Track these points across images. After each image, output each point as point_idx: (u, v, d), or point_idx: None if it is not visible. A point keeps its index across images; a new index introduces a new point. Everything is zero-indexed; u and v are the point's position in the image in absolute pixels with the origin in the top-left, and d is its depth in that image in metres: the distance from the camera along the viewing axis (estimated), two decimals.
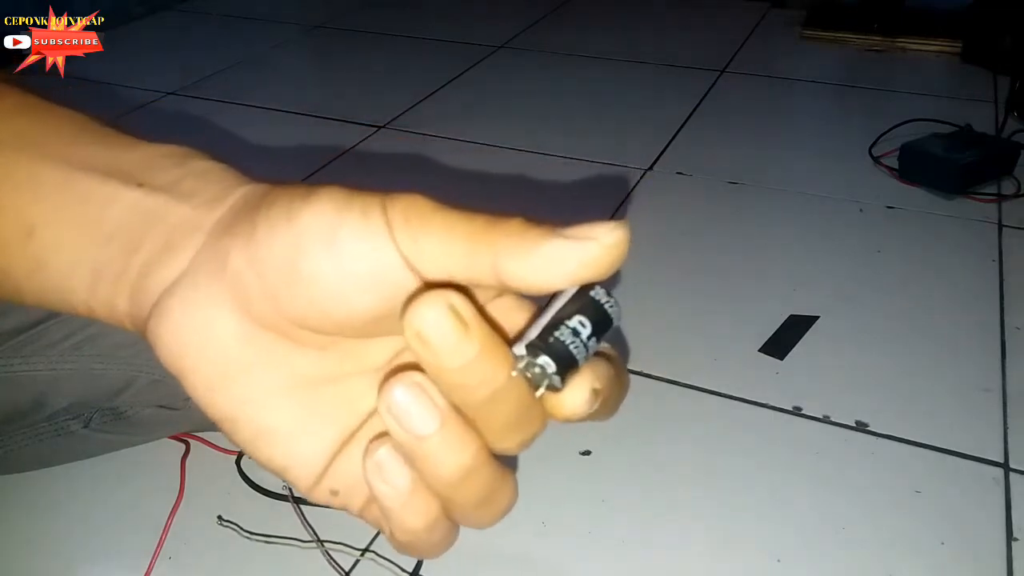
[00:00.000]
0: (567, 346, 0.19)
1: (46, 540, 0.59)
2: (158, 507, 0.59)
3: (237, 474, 0.62)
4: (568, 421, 0.21)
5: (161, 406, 0.59)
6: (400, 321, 0.19)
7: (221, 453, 0.64)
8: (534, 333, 0.20)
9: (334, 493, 0.23)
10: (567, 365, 0.19)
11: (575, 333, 0.19)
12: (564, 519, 0.59)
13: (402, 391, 0.19)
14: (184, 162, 0.23)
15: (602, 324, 0.20)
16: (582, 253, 0.19)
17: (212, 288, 0.21)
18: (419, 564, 0.55)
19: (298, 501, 0.59)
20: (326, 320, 0.21)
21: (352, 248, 0.19)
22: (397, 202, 0.20)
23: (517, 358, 0.19)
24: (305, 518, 0.58)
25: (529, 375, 0.20)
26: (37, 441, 0.57)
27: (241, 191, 0.22)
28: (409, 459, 0.20)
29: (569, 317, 0.19)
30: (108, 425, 0.59)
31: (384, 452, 0.20)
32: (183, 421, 0.61)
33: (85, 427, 0.58)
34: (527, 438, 0.21)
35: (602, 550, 0.57)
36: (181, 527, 0.58)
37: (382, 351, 0.23)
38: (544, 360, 0.19)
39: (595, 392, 0.20)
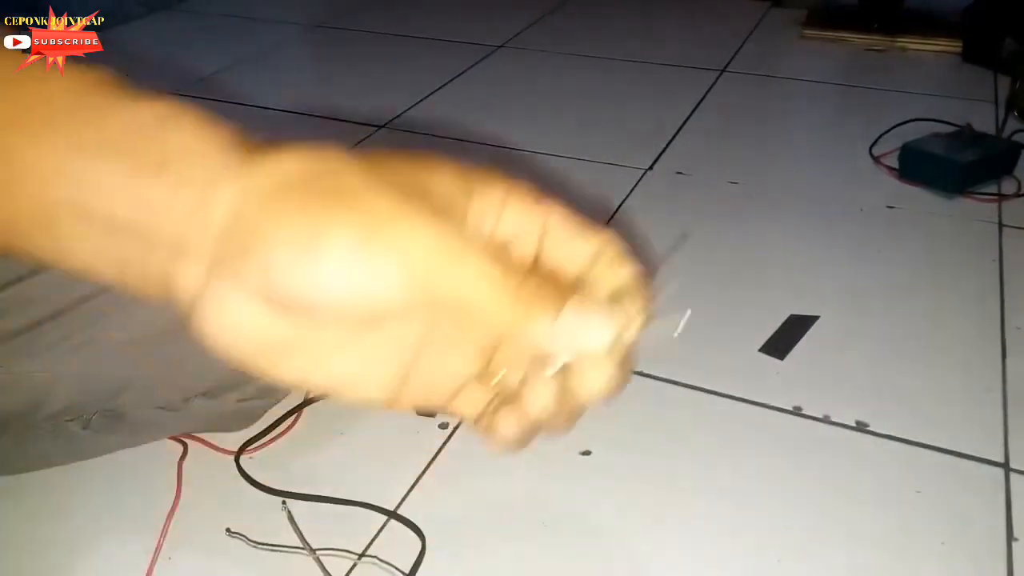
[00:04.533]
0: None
1: (46, 541, 0.59)
2: (158, 508, 0.59)
3: (237, 473, 0.62)
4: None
5: (160, 407, 0.59)
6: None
7: (220, 453, 0.64)
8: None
9: (416, 408, 0.27)
10: None
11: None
12: (564, 518, 0.59)
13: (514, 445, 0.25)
14: (169, 135, 0.24)
15: None
16: (579, 351, 0.23)
17: (237, 298, 0.23)
18: (416, 566, 0.55)
19: (297, 497, 0.59)
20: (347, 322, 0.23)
21: (367, 295, 0.22)
22: (407, 250, 0.22)
23: None
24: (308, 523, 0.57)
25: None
26: (36, 442, 0.57)
27: (228, 196, 0.23)
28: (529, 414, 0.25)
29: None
30: (107, 426, 0.59)
31: (513, 435, 0.25)
32: (182, 422, 0.61)
33: (84, 428, 0.58)
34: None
35: (602, 550, 0.57)
36: (181, 528, 0.58)
37: None
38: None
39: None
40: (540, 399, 0.24)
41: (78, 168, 0.23)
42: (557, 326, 0.22)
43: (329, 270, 0.21)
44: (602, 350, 0.23)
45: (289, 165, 0.23)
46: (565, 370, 0.24)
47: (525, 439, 0.26)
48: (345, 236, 0.22)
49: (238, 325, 0.23)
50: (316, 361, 0.24)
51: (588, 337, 0.22)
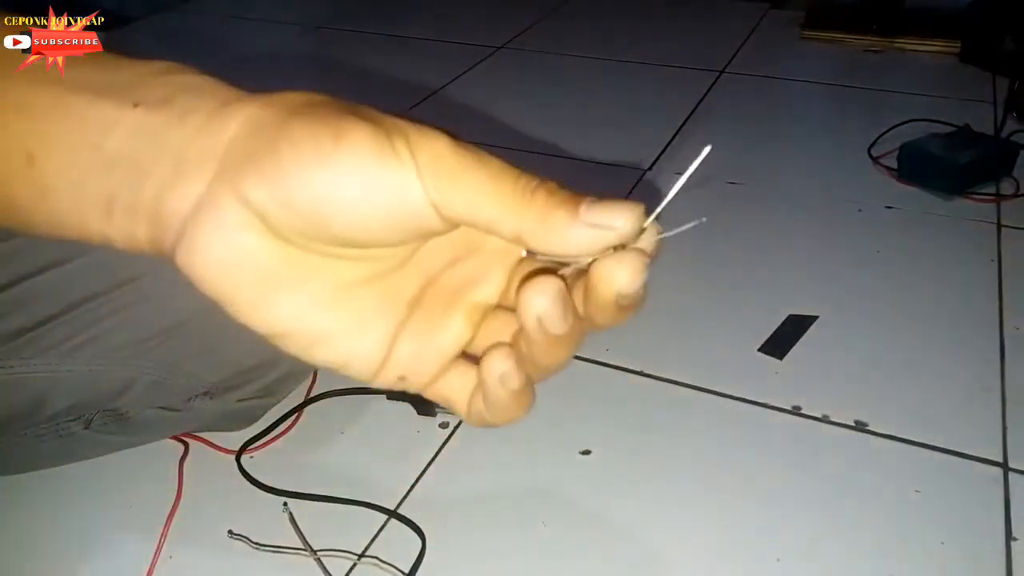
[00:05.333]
0: None
1: (47, 541, 0.59)
2: (158, 508, 0.59)
3: (238, 473, 0.62)
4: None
5: (162, 407, 0.59)
6: (516, 302, 0.22)
7: (221, 453, 0.64)
8: None
9: (401, 379, 0.25)
10: None
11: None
12: (564, 519, 0.59)
13: (548, 301, 0.22)
14: (173, 77, 0.23)
15: None
16: (604, 241, 0.21)
17: (237, 215, 0.21)
18: (416, 566, 0.55)
19: (297, 497, 0.59)
20: (354, 246, 0.22)
21: (385, 197, 0.21)
22: (422, 150, 0.21)
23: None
24: (299, 528, 0.58)
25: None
26: (38, 442, 0.57)
27: (244, 113, 0.22)
28: (529, 350, 0.23)
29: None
30: (109, 427, 0.59)
31: (507, 366, 0.23)
32: (184, 422, 0.61)
33: (86, 428, 0.58)
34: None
35: (602, 550, 0.57)
36: (181, 528, 0.58)
37: (412, 248, 0.24)
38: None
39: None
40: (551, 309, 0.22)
41: (73, 104, 0.22)
42: (579, 221, 0.21)
43: (348, 171, 0.21)
44: (629, 238, 0.22)
45: (302, 94, 0.23)
46: (581, 275, 0.22)
47: (525, 381, 0.23)
48: (366, 138, 0.21)
49: (232, 250, 0.21)
50: (307, 305, 0.23)
51: (613, 224, 0.21)
